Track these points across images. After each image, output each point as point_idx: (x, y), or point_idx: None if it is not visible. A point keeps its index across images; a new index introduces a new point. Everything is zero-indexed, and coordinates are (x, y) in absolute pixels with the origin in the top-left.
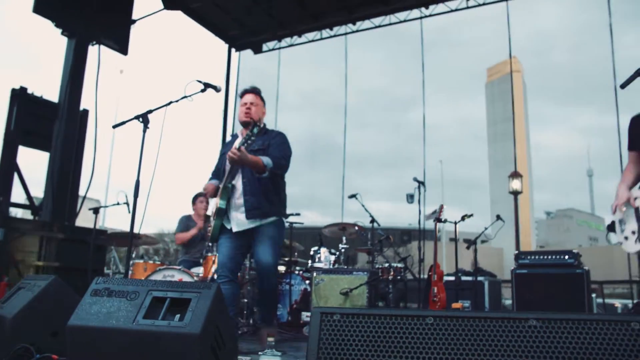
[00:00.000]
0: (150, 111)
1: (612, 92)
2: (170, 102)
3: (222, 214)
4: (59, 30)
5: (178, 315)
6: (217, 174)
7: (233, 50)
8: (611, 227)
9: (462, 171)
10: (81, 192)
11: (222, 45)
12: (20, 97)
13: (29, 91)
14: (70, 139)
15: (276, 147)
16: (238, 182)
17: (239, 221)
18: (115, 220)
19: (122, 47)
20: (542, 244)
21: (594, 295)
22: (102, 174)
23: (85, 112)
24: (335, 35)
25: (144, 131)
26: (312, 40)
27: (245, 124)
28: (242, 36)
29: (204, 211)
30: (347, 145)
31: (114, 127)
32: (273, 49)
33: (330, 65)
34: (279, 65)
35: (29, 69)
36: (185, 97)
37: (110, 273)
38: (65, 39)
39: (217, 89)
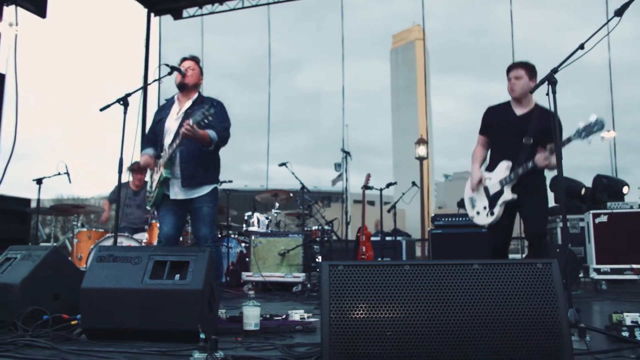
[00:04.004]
0: (128, 94)
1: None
2: (143, 86)
3: (166, 183)
4: None
5: (178, 275)
6: (154, 142)
7: (152, 15)
8: (460, 204)
9: (366, 137)
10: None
11: (141, 10)
12: None
13: None
14: None
15: (217, 118)
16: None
17: (176, 190)
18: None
19: (39, 9)
20: (441, 205)
21: None
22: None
23: (2, 76)
24: (257, 5)
25: (125, 112)
26: (234, 9)
27: (181, 87)
28: (161, 1)
29: (139, 182)
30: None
31: (101, 110)
32: (194, 16)
33: (253, 36)
34: (202, 33)
35: None
36: (155, 80)
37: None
38: None
39: (181, 71)
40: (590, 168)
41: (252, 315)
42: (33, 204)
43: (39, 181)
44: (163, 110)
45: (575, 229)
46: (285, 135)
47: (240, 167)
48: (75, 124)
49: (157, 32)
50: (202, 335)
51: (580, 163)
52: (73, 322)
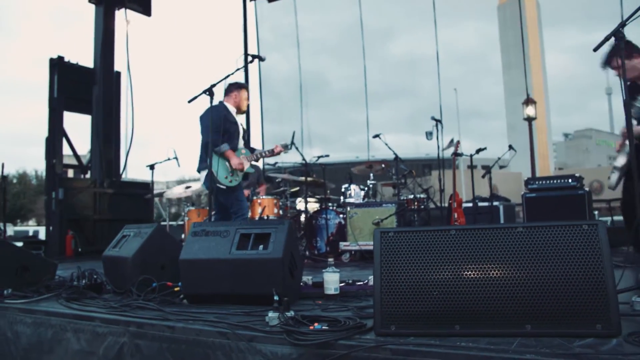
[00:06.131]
0: (213, 85)
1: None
2: (228, 75)
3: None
4: None
5: (261, 246)
6: (230, 140)
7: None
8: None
9: (477, 99)
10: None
11: None
12: (59, 65)
13: (65, 59)
14: (108, 101)
15: None
16: None
17: None
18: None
19: (145, 9)
20: (561, 166)
21: (596, 212)
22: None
23: (118, 74)
24: None
25: (211, 102)
26: None
27: (241, 112)
28: None
29: None
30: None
31: (189, 101)
32: None
33: (344, 9)
34: (295, 12)
35: (57, 37)
36: (238, 69)
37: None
38: (92, 6)
39: (262, 59)
40: None
41: (331, 280)
42: (159, 187)
43: (152, 167)
44: (232, 116)
45: None
46: (385, 104)
47: (347, 139)
48: (182, 111)
49: (253, 16)
50: (276, 298)
51: None
52: (176, 289)
